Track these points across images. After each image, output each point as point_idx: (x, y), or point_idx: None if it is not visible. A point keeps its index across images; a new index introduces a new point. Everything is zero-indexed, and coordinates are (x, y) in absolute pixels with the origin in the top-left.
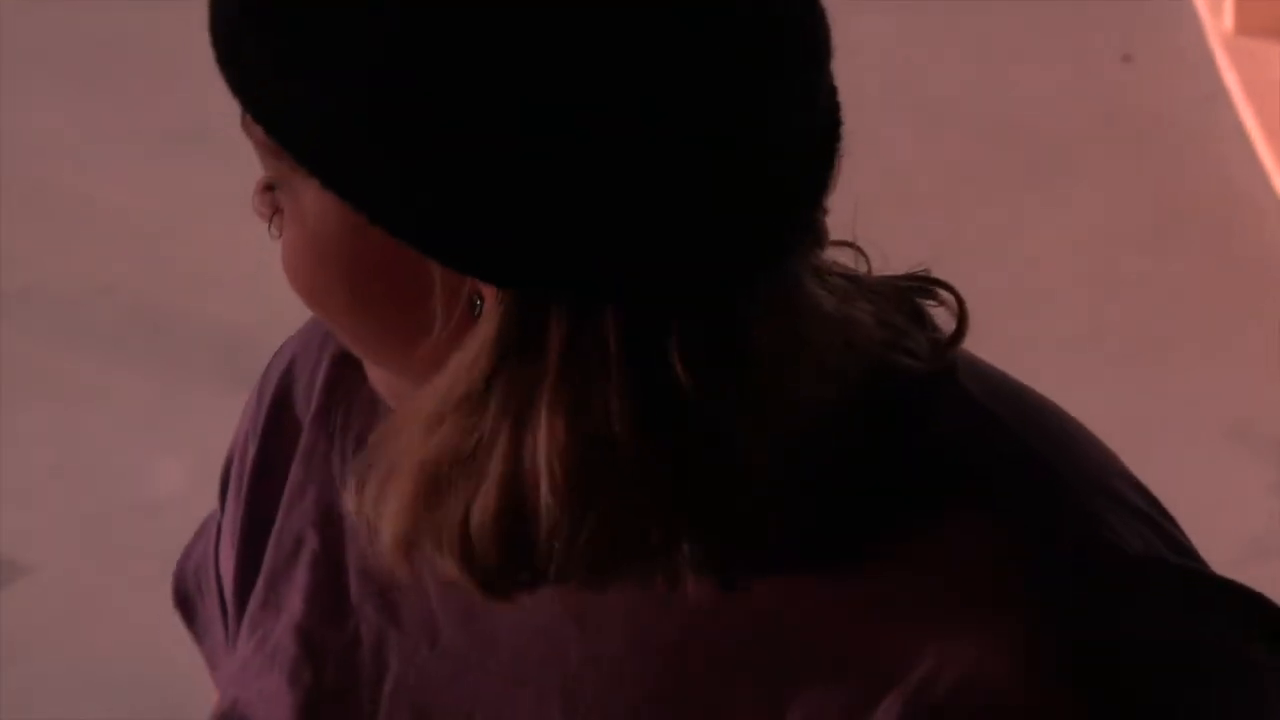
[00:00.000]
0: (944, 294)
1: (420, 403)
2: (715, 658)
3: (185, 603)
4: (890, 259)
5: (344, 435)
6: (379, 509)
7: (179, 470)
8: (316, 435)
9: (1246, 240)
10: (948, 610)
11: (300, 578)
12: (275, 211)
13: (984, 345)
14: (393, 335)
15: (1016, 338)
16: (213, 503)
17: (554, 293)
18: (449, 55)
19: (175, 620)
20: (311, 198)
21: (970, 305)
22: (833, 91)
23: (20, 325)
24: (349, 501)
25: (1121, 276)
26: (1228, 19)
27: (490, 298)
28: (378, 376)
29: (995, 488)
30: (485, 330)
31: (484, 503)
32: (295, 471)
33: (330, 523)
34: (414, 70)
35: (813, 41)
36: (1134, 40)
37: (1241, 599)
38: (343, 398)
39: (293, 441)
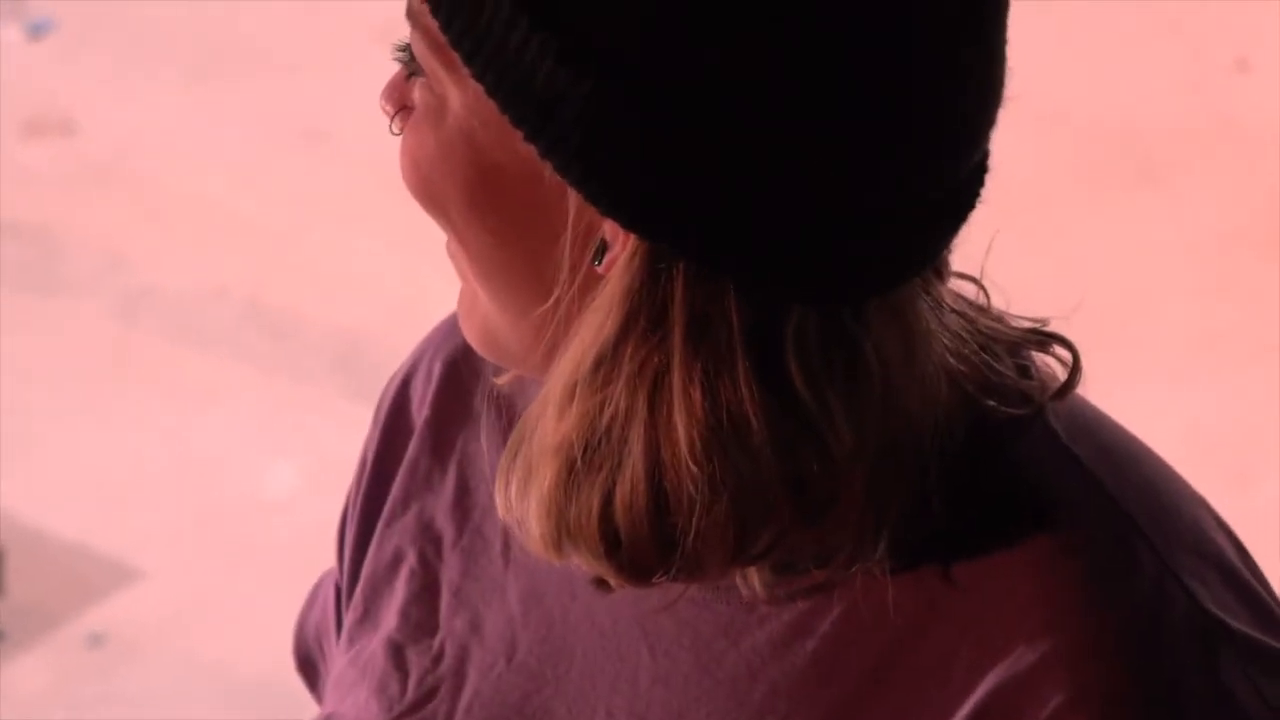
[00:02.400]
0: (1059, 349)
1: (551, 386)
2: (781, 691)
3: (307, 666)
4: (1006, 269)
5: (449, 451)
6: (524, 506)
7: (293, 472)
8: (420, 450)
9: None
10: (1021, 650)
11: (398, 592)
12: (401, 109)
13: (1097, 348)
14: (511, 262)
15: (1130, 341)
16: (325, 503)
17: (687, 256)
18: None
19: (290, 621)
20: (460, 99)
21: (1086, 308)
22: (992, 125)
23: (140, 326)
24: (498, 501)
25: (1236, 280)
26: None
27: (623, 249)
28: (477, 320)
29: (1072, 528)
30: (612, 290)
31: (628, 483)
32: (398, 486)
33: (428, 539)
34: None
35: (993, 80)
36: (1248, 46)
37: None
38: (453, 409)
39: (402, 452)
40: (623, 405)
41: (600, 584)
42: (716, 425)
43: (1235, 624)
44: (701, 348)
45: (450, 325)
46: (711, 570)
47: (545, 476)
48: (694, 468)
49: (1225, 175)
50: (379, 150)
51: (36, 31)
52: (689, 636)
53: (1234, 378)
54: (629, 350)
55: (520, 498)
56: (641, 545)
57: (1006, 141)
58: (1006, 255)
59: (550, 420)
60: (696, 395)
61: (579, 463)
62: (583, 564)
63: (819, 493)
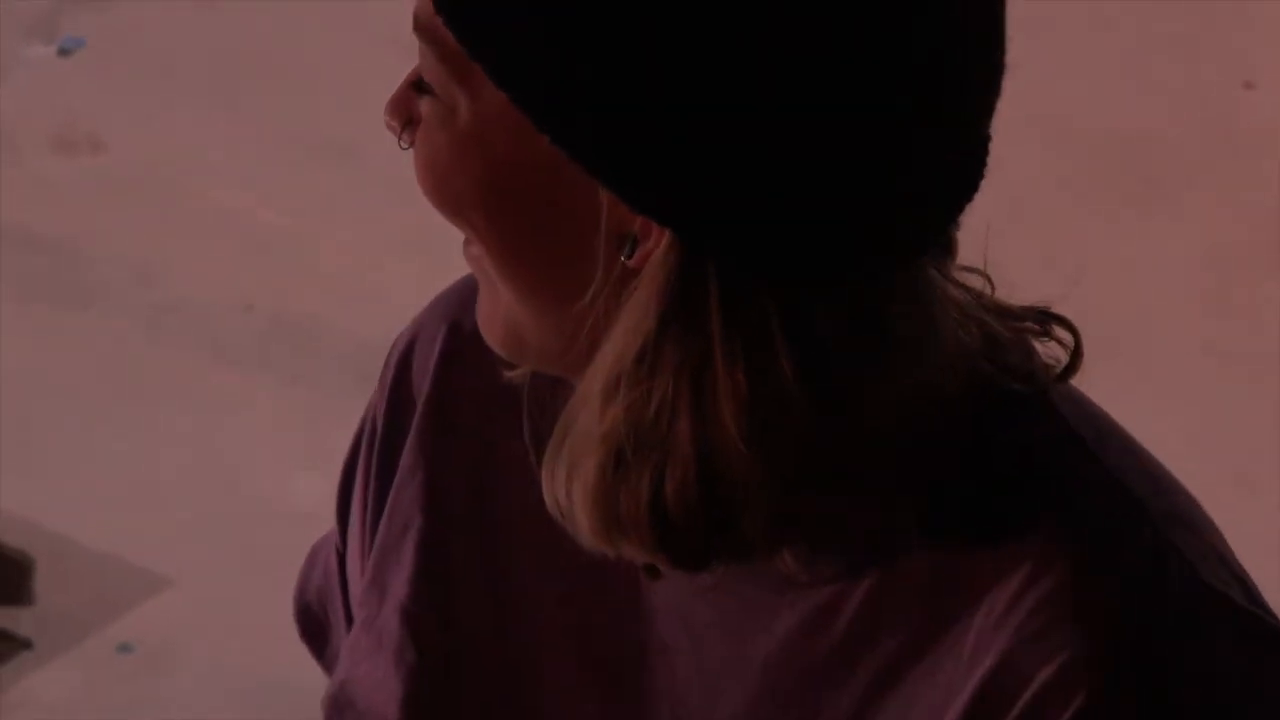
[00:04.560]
0: (1061, 331)
1: (592, 377)
2: (813, 672)
3: (311, 627)
4: (1010, 279)
5: (454, 418)
6: (571, 498)
7: (317, 482)
8: (427, 419)
9: None
10: (1026, 616)
11: (406, 559)
12: (408, 122)
13: (1103, 360)
14: (536, 263)
15: (1135, 354)
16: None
17: (720, 247)
18: None
19: None
20: (471, 107)
21: (1090, 320)
22: (995, 101)
23: (166, 338)
24: (545, 496)
25: (1242, 296)
26: None
27: (656, 244)
28: (499, 321)
29: (1077, 503)
30: (649, 284)
31: (679, 469)
32: (406, 454)
33: (437, 506)
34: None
35: (995, 67)
36: (1255, 63)
37: None
38: (456, 379)
39: (407, 423)
40: (669, 394)
41: (651, 571)
42: (761, 405)
43: (1234, 597)
44: (740, 333)
45: (445, 302)
46: (760, 550)
47: (591, 468)
48: (743, 448)
49: (1228, 191)
50: (403, 163)
51: (66, 49)
52: (722, 621)
53: (1235, 392)
54: (670, 341)
55: (566, 491)
56: (695, 531)
57: (1012, 154)
58: (1009, 266)
59: (594, 413)
60: (740, 378)
61: (628, 453)
62: (634, 554)
63: (858, 466)
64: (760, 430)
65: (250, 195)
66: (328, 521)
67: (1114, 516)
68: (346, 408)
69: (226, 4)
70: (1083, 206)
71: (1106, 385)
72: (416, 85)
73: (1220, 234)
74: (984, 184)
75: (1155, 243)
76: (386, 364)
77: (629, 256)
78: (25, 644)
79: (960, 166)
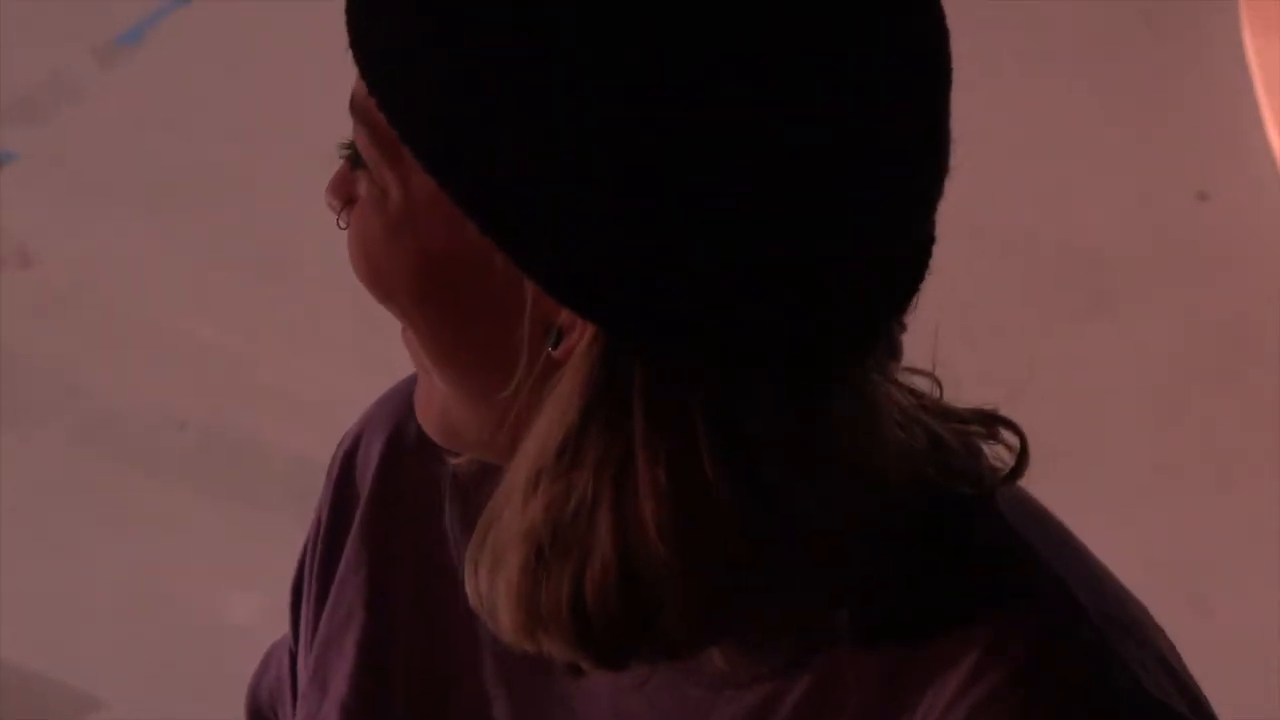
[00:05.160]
0: (1007, 434)
1: (516, 470)
2: None
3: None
4: (958, 383)
5: (396, 514)
6: (493, 595)
7: (254, 600)
8: (370, 513)
9: None
10: (966, 717)
11: (348, 654)
12: (347, 203)
13: (1051, 472)
14: (467, 351)
15: (1082, 467)
16: (286, 631)
17: (646, 342)
18: (606, 70)
19: None
20: (401, 191)
21: (1039, 430)
22: (935, 203)
23: (98, 455)
24: (468, 589)
25: (1190, 409)
26: None
27: (580, 336)
28: (434, 409)
29: (1018, 605)
30: (572, 377)
31: (598, 567)
32: (349, 549)
33: (379, 601)
34: (561, 72)
35: (937, 166)
36: (1209, 177)
37: None
38: (400, 475)
39: (352, 519)
40: (589, 491)
41: (574, 670)
42: (682, 505)
43: (1175, 706)
44: (663, 429)
45: (392, 401)
46: (683, 649)
47: (513, 564)
48: (663, 548)
49: (1181, 303)
50: (336, 276)
51: None
52: (667, 712)
53: (1188, 507)
54: (592, 436)
55: (489, 586)
56: (614, 629)
57: (963, 262)
58: (957, 371)
59: (516, 508)
60: (661, 476)
61: (547, 550)
62: (556, 651)
63: (786, 567)
64: (683, 530)
65: (184, 310)
66: (263, 639)
67: (1056, 620)
68: (283, 525)
69: (160, 118)
70: (1034, 316)
71: (1054, 497)
72: (353, 160)
73: (1173, 345)
74: (935, 291)
75: (1106, 354)
76: (333, 461)
77: (554, 347)
78: None
79: (897, 267)
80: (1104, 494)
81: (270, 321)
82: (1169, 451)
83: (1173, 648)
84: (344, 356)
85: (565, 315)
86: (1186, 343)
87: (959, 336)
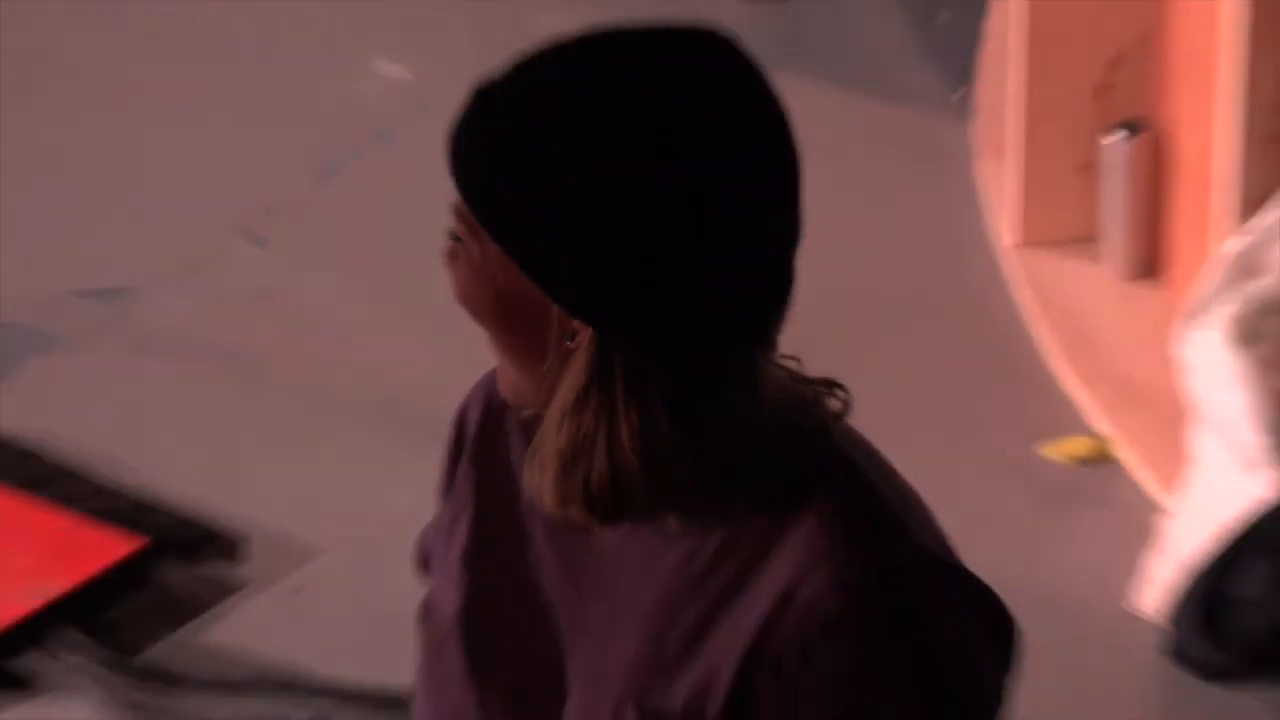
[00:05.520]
0: (839, 392)
1: (549, 417)
2: (677, 593)
3: (423, 566)
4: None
5: (488, 446)
6: (540, 486)
7: (413, 496)
8: (474, 447)
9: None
10: (802, 557)
11: (463, 523)
12: (453, 263)
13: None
14: (523, 346)
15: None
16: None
17: (622, 340)
18: (609, 207)
19: None
20: (483, 252)
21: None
22: (794, 251)
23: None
24: (527, 484)
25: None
26: (1012, 233)
27: (584, 334)
28: (508, 382)
29: (841, 493)
30: (579, 359)
31: (597, 470)
32: (463, 465)
33: (482, 495)
34: (560, 198)
35: (797, 230)
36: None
37: (982, 593)
38: (490, 425)
39: (464, 451)
40: (591, 426)
41: (588, 527)
42: (644, 435)
43: (938, 552)
44: (633, 392)
45: (485, 381)
46: (650, 515)
47: (550, 469)
48: (634, 459)
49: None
50: (459, 311)
51: None
52: (637, 557)
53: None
54: (592, 394)
55: (539, 481)
56: (608, 503)
57: (805, 296)
58: (808, 362)
59: (550, 436)
60: (634, 419)
61: (568, 460)
62: (576, 517)
63: (705, 470)
64: (644, 449)
65: (380, 356)
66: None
67: (865, 503)
68: (433, 453)
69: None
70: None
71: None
72: (454, 239)
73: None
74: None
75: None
76: (454, 416)
77: (570, 342)
78: None
79: (773, 297)
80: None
81: (423, 337)
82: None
83: (942, 533)
84: (462, 355)
85: (576, 323)
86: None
87: (803, 342)
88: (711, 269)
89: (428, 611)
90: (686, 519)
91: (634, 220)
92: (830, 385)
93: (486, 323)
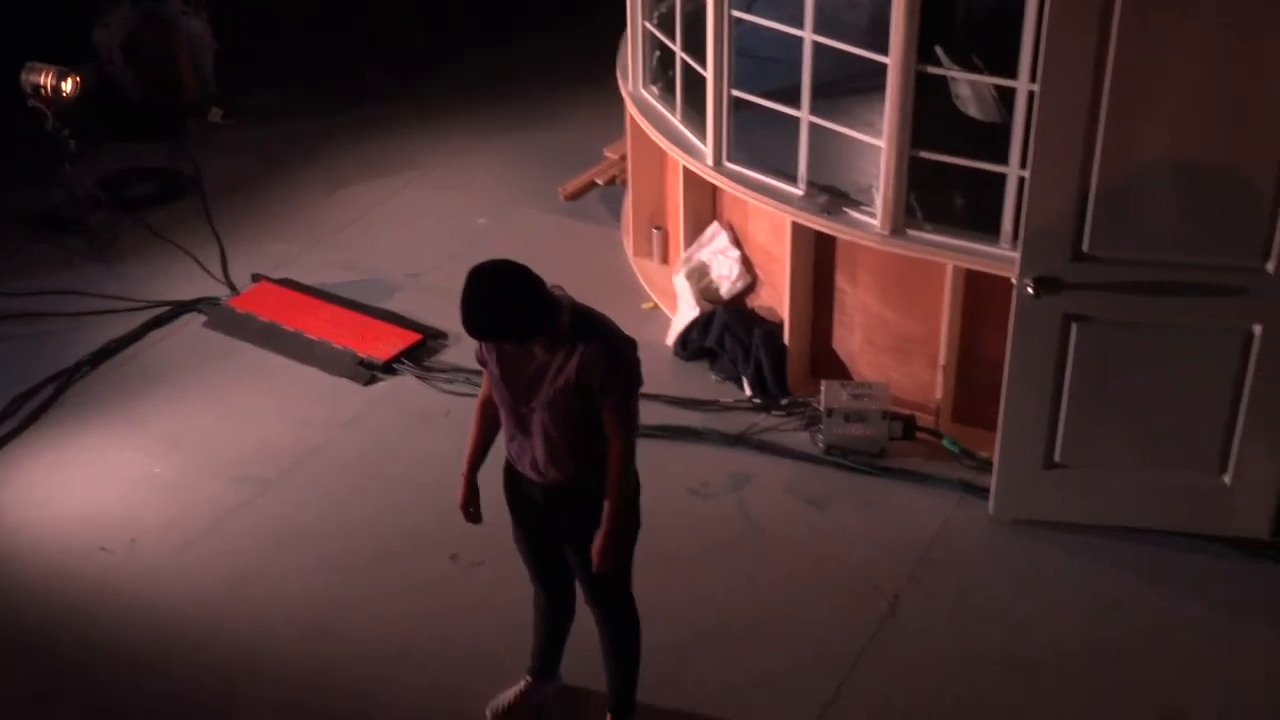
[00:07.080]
0: (567, 294)
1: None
2: (554, 359)
3: (482, 362)
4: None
5: (497, 350)
6: (508, 342)
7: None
8: (490, 349)
9: None
10: (586, 346)
11: (494, 364)
12: (484, 368)
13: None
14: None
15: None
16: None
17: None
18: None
19: None
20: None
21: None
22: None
23: None
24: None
25: None
26: (631, 249)
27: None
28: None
29: (596, 325)
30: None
31: (528, 334)
32: (492, 353)
33: (499, 358)
34: (533, 327)
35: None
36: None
37: (634, 343)
38: (495, 348)
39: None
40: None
41: (522, 346)
42: (545, 328)
43: (626, 339)
44: (554, 341)
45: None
46: (530, 342)
47: (512, 342)
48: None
49: None
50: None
51: None
52: (538, 356)
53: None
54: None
55: (510, 344)
56: (523, 341)
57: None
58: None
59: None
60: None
61: (522, 337)
62: (516, 344)
63: (557, 328)
64: (543, 330)
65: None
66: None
67: (602, 322)
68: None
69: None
70: None
71: None
72: (482, 362)
73: None
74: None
75: None
76: (477, 346)
77: (537, 349)
78: None
79: (548, 319)
80: None
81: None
82: None
83: (620, 329)
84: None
85: (538, 344)
86: None
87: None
88: (544, 319)
89: (490, 375)
90: (549, 344)
91: (530, 319)
92: (562, 290)
93: (521, 340)
